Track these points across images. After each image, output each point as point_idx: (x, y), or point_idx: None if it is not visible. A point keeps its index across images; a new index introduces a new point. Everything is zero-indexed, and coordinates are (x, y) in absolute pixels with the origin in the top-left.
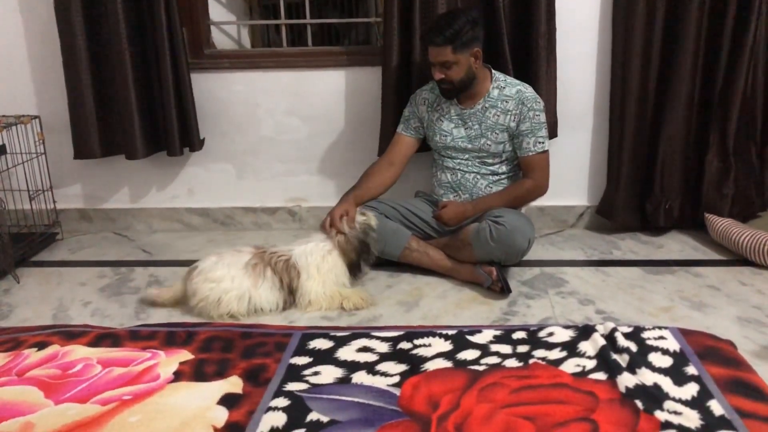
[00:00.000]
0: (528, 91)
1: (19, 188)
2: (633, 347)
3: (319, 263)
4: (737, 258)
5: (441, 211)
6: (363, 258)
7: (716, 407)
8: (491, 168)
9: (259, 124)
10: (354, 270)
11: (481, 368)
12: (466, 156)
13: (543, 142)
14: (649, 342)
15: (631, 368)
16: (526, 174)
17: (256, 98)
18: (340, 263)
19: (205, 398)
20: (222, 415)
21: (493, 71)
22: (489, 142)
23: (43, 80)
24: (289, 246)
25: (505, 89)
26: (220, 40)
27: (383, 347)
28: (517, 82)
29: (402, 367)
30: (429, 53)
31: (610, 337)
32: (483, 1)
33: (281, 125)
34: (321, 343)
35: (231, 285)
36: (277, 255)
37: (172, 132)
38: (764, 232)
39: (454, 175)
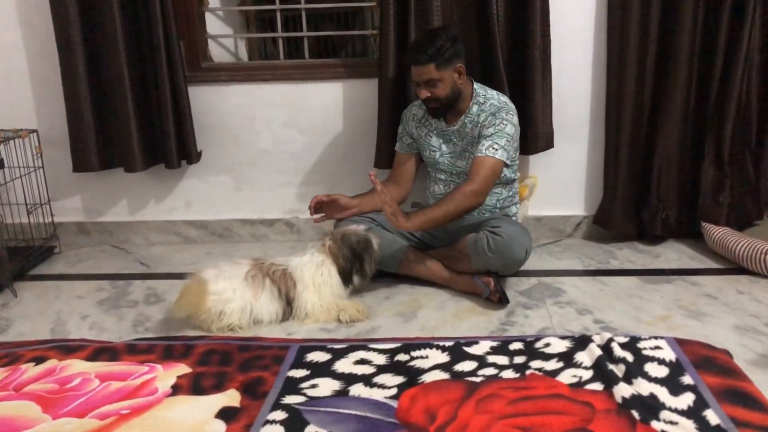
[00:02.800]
0: (501, 103)
1: (17, 202)
2: (629, 357)
3: (314, 274)
4: (734, 266)
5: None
6: (355, 269)
7: (712, 417)
8: None
9: (257, 136)
10: (345, 278)
11: (478, 380)
12: (456, 170)
13: (497, 149)
14: (645, 352)
15: (628, 378)
16: (468, 175)
17: (254, 110)
18: (334, 274)
19: (203, 412)
20: (220, 429)
21: (474, 86)
22: (472, 156)
23: (41, 94)
24: (288, 258)
25: (484, 104)
26: (218, 53)
27: (380, 359)
28: (495, 95)
29: (399, 379)
30: (413, 73)
31: (606, 347)
32: (477, 14)
33: (279, 137)
34: (318, 356)
35: (233, 296)
36: (275, 266)
37: (170, 145)
38: (761, 241)
39: (447, 186)
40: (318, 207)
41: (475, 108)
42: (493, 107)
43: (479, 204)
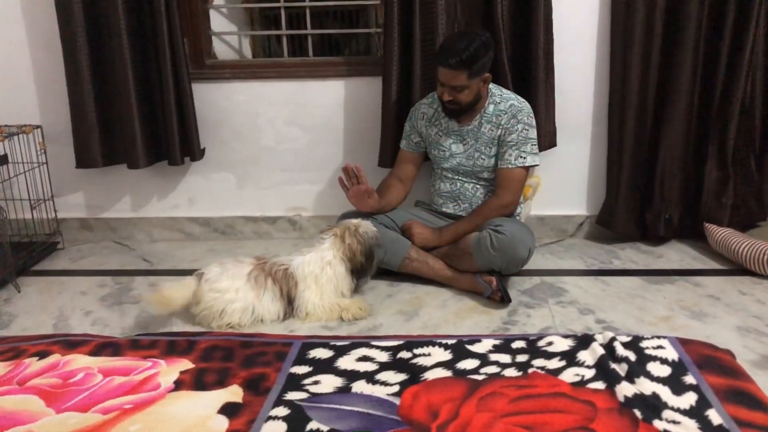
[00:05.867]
0: (521, 104)
1: (20, 197)
2: (632, 356)
3: (318, 274)
4: (737, 267)
5: (414, 228)
6: (367, 266)
7: (714, 416)
8: (489, 179)
9: (260, 133)
10: (359, 275)
11: (480, 378)
12: (463, 169)
13: (525, 158)
14: (647, 351)
15: (630, 378)
16: (497, 188)
17: (257, 108)
18: (340, 273)
19: (205, 407)
20: (222, 424)
21: (489, 85)
22: (483, 157)
23: (45, 90)
24: (290, 256)
25: (500, 104)
26: (222, 50)
27: (383, 356)
28: (512, 96)
29: (402, 377)
30: (440, 74)
31: (609, 346)
32: (482, 12)
33: (282, 135)
34: (321, 353)
35: (235, 296)
36: (277, 264)
37: (173, 141)
38: (763, 242)
39: (453, 184)
40: (350, 174)
41: (491, 108)
42: (513, 108)
43: (510, 215)
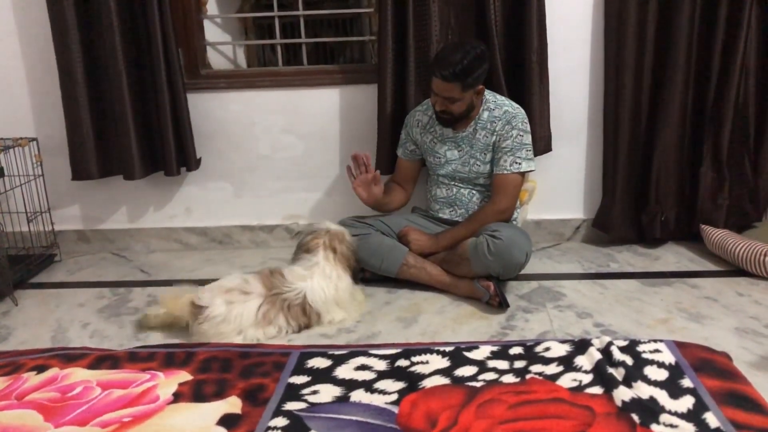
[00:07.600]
0: (515, 110)
1: (17, 210)
2: (629, 361)
3: (335, 296)
4: (733, 269)
5: (410, 235)
6: (357, 266)
7: (712, 420)
8: (485, 185)
9: (256, 142)
10: (356, 276)
11: (478, 384)
12: (459, 175)
13: (520, 163)
14: (644, 355)
15: (627, 382)
16: (492, 194)
17: (253, 117)
18: (348, 281)
19: (204, 419)
20: None
21: (483, 91)
22: (478, 163)
23: (40, 102)
24: (293, 279)
25: (495, 110)
26: (216, 60)
27: (381, 365)
28: (506, 102)
29: (400, 385)
30: (434, 84)
31: (606, 350)
32: (475, 19)
33: (278, 143)
34: (319, 362)
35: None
36: (289, 300)
37: (169, 152)
38: (760, 243)
39: (450, 190)
40: (359, 162)
41: (485, 114)
42: (507, 114)
43: (507, 220)
